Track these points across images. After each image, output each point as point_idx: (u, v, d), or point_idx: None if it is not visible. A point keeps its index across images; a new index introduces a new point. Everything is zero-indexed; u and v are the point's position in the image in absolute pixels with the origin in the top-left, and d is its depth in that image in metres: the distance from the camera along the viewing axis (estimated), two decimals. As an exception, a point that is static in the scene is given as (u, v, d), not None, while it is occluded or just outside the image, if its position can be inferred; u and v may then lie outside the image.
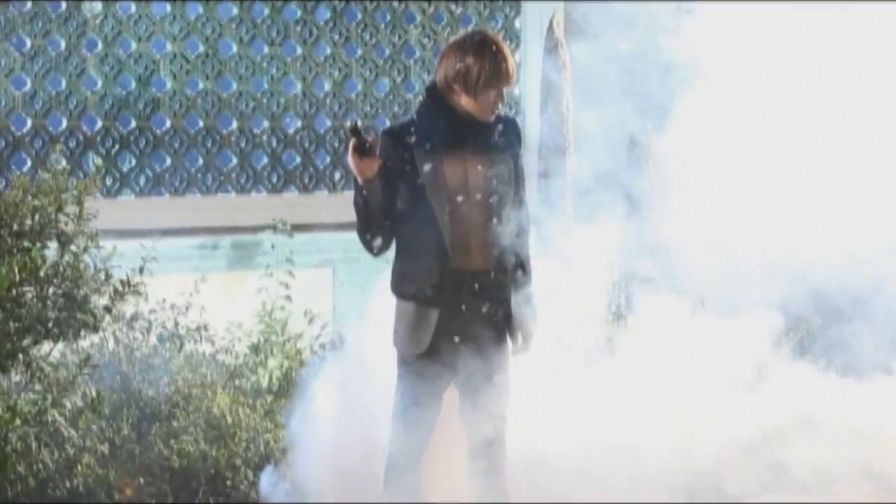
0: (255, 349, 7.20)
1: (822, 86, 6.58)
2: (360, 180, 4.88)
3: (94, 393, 5.82)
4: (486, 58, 4.94)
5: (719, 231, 6.53)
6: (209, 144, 8.07)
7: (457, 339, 5.00)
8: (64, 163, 6.01)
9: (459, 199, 4.96)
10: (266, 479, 5.84)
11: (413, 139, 4.96)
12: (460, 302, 4.99)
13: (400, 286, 5.04)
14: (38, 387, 5.72)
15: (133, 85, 7.84)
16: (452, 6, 8.77)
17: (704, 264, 6.53)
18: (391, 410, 5.11)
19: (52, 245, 5.82)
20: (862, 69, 6.63)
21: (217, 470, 6.01)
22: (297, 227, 7.82)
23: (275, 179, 8.29)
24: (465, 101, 4.97)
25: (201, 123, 8.06)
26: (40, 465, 5.70)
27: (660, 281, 6.73)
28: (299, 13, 8.35)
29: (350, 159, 4.86)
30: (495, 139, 5.05)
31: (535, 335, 5.17)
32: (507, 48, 5.01)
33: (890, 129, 6.65)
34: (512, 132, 5.14)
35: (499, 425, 5.14)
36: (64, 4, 7.63)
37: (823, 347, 6.90)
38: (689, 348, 6.35)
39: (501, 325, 5.09)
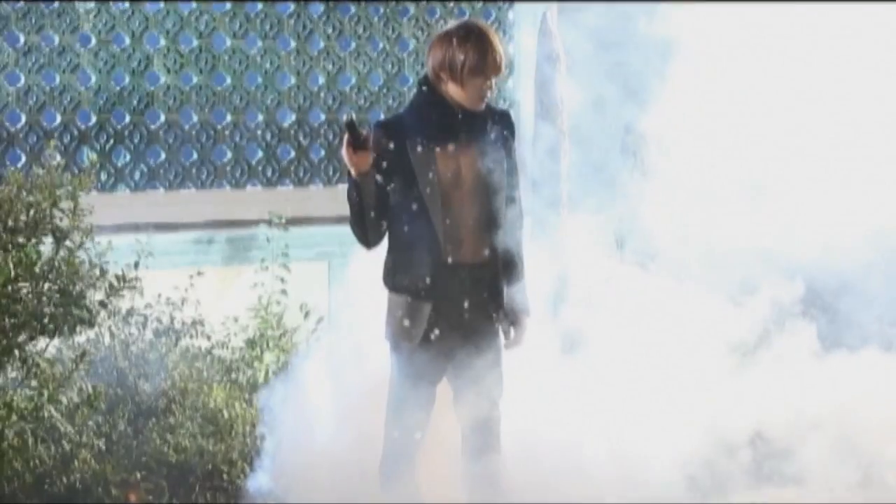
0: (251, 343, 7.20)
1: (814, 78, 6.59)
2: (353, 174, 4.89)
3: (90, 388, 5.82)
4: (471, 45, 4.94)
5: (708, 218, 6.55)
6: (203, 139, 8.07)
7: (450, 332, 5.01)
8: (58, 158, 6.01)
9: (452, 190, 4.96)
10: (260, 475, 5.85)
11: (406, 131, 4.96)
12: (453, 295, 4.99)
13: (392, 279, 5.05)
14: (34, 383, 5.72)
15: (127, 80, 7.84)
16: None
17: (695, 251, 6.55)
18: (385, 403, 5.13)
19: (48, 241, 5.82)
20: (850, 57, 6.63)
21: (214, 465, 6.02)
22: (293, 221, 7.82)
23: (269, 173, 8.29)
24: (453, 90, 4.98)
25: (195, 118, 8.06)
26: (37, 461, 5.70)
27: (650, 268, 6.74)
28: (293, 7, 8.34)
29: (344, 153, 4.86)
30: (488, 131, 5.05)
31: (527, 328, 5.18)
32: (495, 37, 5.01)
33: (877, 117, 6.66)
34: (505, 125, 5.14)
35: (493, 418, 5.14)
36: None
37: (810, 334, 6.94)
38: (681, 335, 6.36)
39: (494, 317, 5.09)
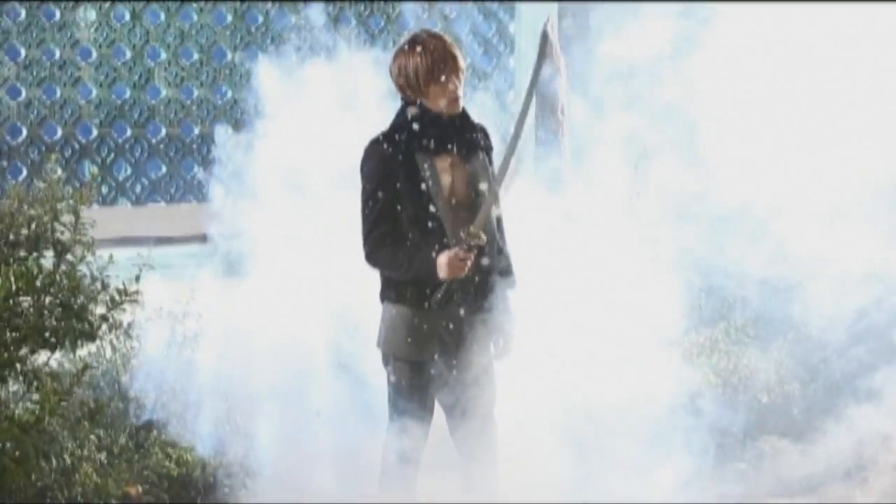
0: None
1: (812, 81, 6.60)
2: (445, 277, 4.85)
3: (91, 402, 5.82)
4: (418, 53, 4.94)
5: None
6: (205, 152, 8.07)
7: (451, 344, 5.00)
8: (59, 172, 6.02)
9: (453, 200, 4.95)
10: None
11: (401, 145, 4.94)
12: (458, 305, 4.98)
13: (401, 292, 5.00)
14: (35, 396, 5.72)
15: (128, 93, 7.85)
16: (446, 11, 8.78)
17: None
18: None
19: (49, 254, 5.83)
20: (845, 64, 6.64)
21: (215, 478, 6.02)
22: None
23: (271, 186, 8.29)
24: (425, 101, 4.97)
25: (196, 131, 8.06)
26: (38, 475, 5.69)
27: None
28: (293, 20, 8.35)
29: (458, 268, 4.83)
30: (477, 141, 5.06)
31: (515, 338, 5.16)
32: (443, 39, 5.01)
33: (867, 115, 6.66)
34: (486, 137, 5.16)
35: (489, 428, 5.13)
36: (58, 13, 7.64)
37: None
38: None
39: (487, 327, 5.08)
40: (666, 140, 6.82)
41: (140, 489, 5.89)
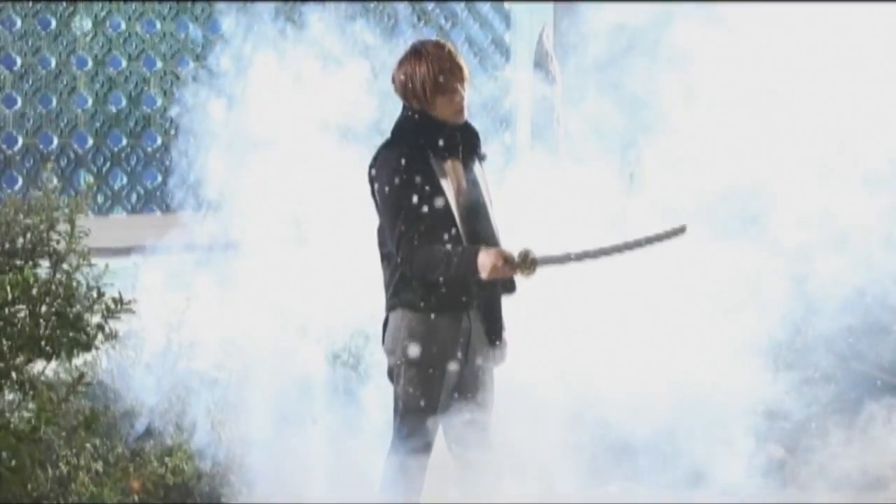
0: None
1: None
2: (485, 277, 4.81)
3: (87, 411, 5.81)
4: (416, 65, 4.92)
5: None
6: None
7: (458, 348, 4.98)
8: (55, 181, 6.02)
9: (470, 204, 4.95)
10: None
11: (416, 150, 4.93)
12: (481, 310, 4.98)
13: (424, 297, 4.92)
14: (31, 405, 5.72)
15: (124, 102, 7.85)
16: (442, 22, 8.79)
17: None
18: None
19: (45, 263, 5.83)
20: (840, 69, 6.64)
21: (211, 487, 6.02)
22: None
23: (266, 195, 8.29)
24: (431, 110, 4.96)
25: (192, 140, 8.06)
26: (34, 484, 5.69)
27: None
28: (289, 28, 8.35)
29: (500, 273, 4.80)
30: (476, 148, 5.06)
31: (508, 343, 5.14)
32: (445, 48, 4.98)
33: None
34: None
35: (487, 432, 5.13)
36: (54, 22, 7.64)
37: None
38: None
39: (488, 331, 5.07)
40: (664, 144, 6.80)
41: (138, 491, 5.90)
